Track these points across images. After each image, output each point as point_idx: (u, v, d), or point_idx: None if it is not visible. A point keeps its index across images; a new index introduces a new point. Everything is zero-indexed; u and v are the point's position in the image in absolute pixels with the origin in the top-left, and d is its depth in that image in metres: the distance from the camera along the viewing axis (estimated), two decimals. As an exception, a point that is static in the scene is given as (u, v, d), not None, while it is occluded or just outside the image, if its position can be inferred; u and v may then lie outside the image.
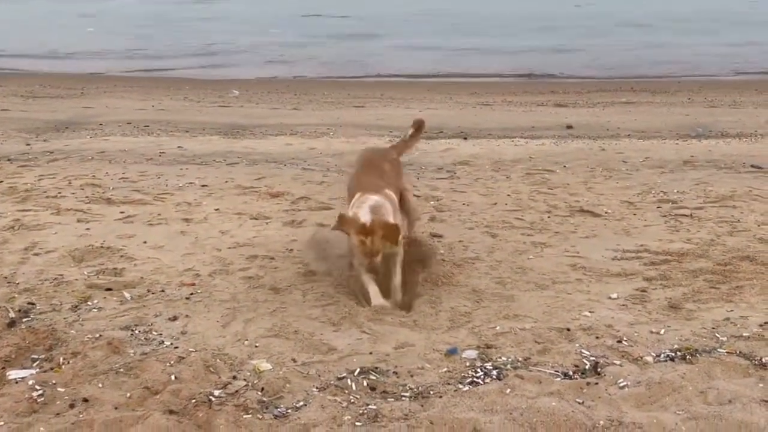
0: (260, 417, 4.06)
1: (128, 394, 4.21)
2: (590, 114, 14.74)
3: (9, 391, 4.25)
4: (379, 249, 5.37)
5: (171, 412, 4.03)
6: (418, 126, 6.91)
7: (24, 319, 5.19)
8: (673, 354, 4.66)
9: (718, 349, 4.70)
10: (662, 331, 4.99)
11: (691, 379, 4.30)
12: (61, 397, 4.21)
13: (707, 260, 6.30)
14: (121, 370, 4.46)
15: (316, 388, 4.35)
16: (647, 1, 35.53)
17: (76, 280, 5.91)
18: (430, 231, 7.08)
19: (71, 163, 10.01)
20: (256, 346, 4.83)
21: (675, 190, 8.52)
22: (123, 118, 13.92)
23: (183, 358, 4.61)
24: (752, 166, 9.76)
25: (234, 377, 4.45)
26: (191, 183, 8.89)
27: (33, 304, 5.44)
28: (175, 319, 5.24)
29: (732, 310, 5.32)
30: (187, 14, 34.95)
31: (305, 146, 11.38)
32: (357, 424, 3.99)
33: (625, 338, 4.88)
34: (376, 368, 4.56)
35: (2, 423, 3.96)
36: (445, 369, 4.57)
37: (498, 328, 5.07)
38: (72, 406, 4.12)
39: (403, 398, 4.25)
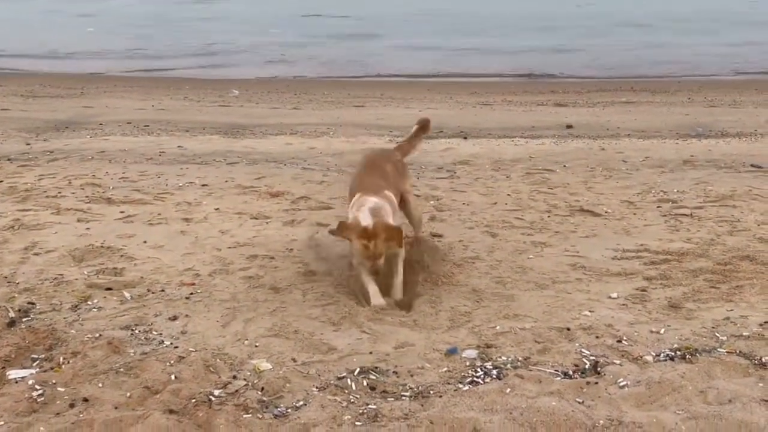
0: (260, 417, 4.06)
1: (128, 394, 4.21)
2: (590, 114, 14.74)
3: (9, 391, 4.25)
4: (381, 252, 5.36)
5: (171, 411, 4.03)
6: (423, 125, 6.82)
7: (24, 319, 5.19)
8: (673, 353, 4.66)
9: (718, 349, 4.70)
10: (662, 331, 4.99)
11: (691, 379, 4.30)
12: (61, 396, 4.21)
13: (707, 260, 6.30)
14: (121, 369, 4.46)
15: (316, 387, 4.35)
16: (647, 1, 35.53)
17: (76, 279, 5.91)
18: (430, 230, 7.07)
19: (71, 162, 10.01)
20: (256, 346, 4.84)
21: (675, 190, 8.52)
22: (123, 117, 13.92)
23: (183, 357, 4.61)
24: (752, 165, 9.76)
25: (234, 377, 4.45)
26: (191, 182, 8.89)
27: (33, 303, 5.44)
28: (175, 318, 5.24)
29: (732, 310, 5.32)
30: (187, 14, 34.94)
31: (305, 146, 11.38)
32: (357, 423, 3.99)
33: (625, 338, 4.88)
34: (376, 368, 4.56)
35: (2, 423, 3.96)
36: (445, 369, 4.57)
37: (498, 327, 5.07)
38: (72, 405, 4.12)
39: (403, 398, 4.25)
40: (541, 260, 6.40)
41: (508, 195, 8.40)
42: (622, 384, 4.29)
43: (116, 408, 4.07)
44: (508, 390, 4.23)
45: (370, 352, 4.75)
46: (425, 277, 5.93)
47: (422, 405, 4.14)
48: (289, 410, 4.14)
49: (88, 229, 7.14)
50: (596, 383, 4.29)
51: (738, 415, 3.90)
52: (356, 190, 5.82)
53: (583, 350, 4.72)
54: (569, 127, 13.11)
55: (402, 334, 5.03)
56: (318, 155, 10.67)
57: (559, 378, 4.40)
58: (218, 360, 4.61)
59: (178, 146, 11.20)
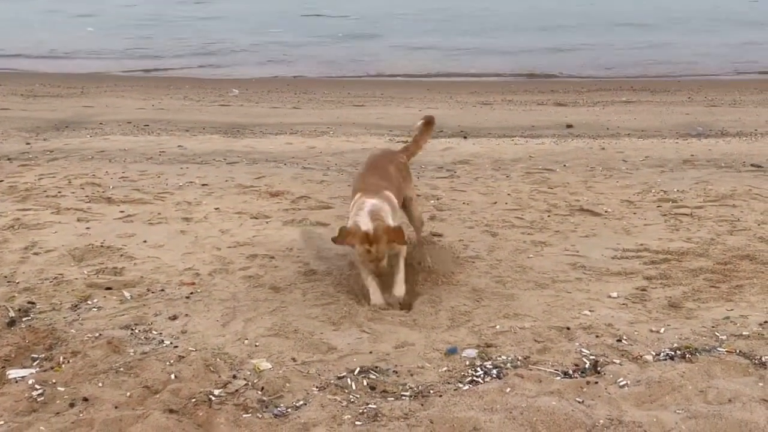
0: (260, 416, 4.06)
1: (128, 393, 4.21)
2: (590, 113, 14.73)
3: (9, 391, 4.26)
4: (384, 254, 5.36)
5: (171, 411, 4.03)
6: (428, 121, 6.70)
7: (24, 319, 5.19)
8: (672, 353, 4.66)
9: (718, 348, 4.70)
10: (662, 330, 4.99)
11: (691, 378, 4.30)
12: (61, 396, 4.21)
13: (707, 259, 6.31)
14: (121, 369, 4.47)
15: (316, 387, 4.35)
16: (647, 1, 35.52)
17: (76, 279, 5.91)
18: (431, 230, 7.07)
19: (71, 162, 10.01)
20: (256, 346, 4.84)
21: (675, 189, 8.52)
22: (123, 117, 13.92)
23: (183, 357, 4.61)
24: (752, 165, 9.76)
25: (234, 376, 4.45)
26: (191, 182, 8.89)
27: (33, 303, 5.44)
28: (175, 318, 5.24)
29: (732, 309, 5.32)
30: (187, 14, 34.92)
31: (305, 145, 11.38)
32: (357, 423, 3.99)
33: (625, 337, 4.89)
34: (376, 367, 4.56)
35: (2, 422, 3.96)
36: (445, 368, 4.57)
37: (498, 327, 5.07)
38: (72, 405, 4.12)
39: (403, 397, 4.25)
40: (541, 260, 6.40)
41: (508, 194, 8.40)
42: (622, 383, 4.29)
43: (116, 407, 4.08)
44: (508, 389, 4.23)
45: (370, 352, 4.76)
46: (425, 276, 5.93)
47: (422, 404, 4.14)
48: (289, 410, 4.14)
49: (88, 228, 7.14)
50: (596, 383, 4.29)
51: (738, 415, 3.90)
52: (357, 190, 5.82)
53: (583, 350, 4.72)
54: (569, 126, 13.10)
55: (402, 333, 5.03)
56: (318, 155, 10.67)
57: (559, 377, 4.40)
58: (218, 359, 4.61)
59: (178, 146, 11.20)
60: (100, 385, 4.30)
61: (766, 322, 5.07)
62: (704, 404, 4.05)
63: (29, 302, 5.45)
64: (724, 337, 4.86)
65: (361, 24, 30.82)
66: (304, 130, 12.74)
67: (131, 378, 4.37)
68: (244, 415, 4.05)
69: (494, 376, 4.46)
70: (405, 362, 4.63)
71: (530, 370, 4.48)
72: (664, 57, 22.88)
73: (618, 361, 4.58)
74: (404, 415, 4.02)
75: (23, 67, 22.27)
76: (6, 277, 5.96)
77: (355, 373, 4.50)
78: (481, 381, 4.41)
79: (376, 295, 5.48)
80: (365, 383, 4.39)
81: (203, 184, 8.78)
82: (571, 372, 4.47)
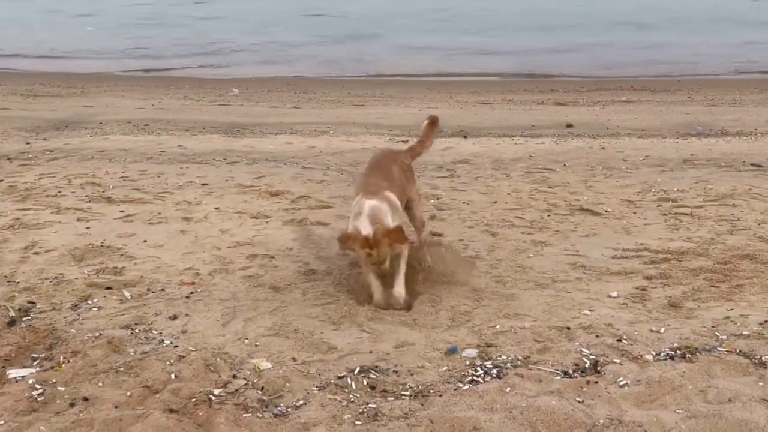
0: (260, 416, 4.06)
1: (128, 393, 4.21)
2: (590, 113, 14.73)
3: (9, 390, 4.26)
4: (386, 257, 5.35)
5: (171, 410, 4.03)
6: (432, 121, 6.67)
7: (24, 318, 5.19)
8: (673, 352, 4.66)
9: (718, 348, 4.71)
10: (662, 330, 4.99)
11: (691, 378, 4.30)
12: (61, 395, 4.21)
13: (707, 259, 6.31)
14: (121, 368, 4.47)
15: (316, 386, 4.35)
16: (647, 1, 35.51)
17: (76, 279, 5.91)
18: (431, 229, 7.07)
19: (71, 162, 10.01)
20: (256, 345, 4.84)
21: (675, 189, 8.52)
22: (123, 116, 13.91)
23: (183, 356, 4.62)
24: (752, 164, 9.76)
25: (234, 376, 4.45)
26: (191, 182, 8.89)
27: (33, 303, 5.44)
28: (175, 317, 5.25)
29: (732, 309, 5.32)
30: (187, 13, 34.91)
31: (305, 145, 11.38)
32: (357, 423, 3.99)
33: (625, 337, 4.89)
34: (376, 367, 4.56)
35: (2, 422, 3.96)
36: (445, 368, 4.57)
37: (498, 326, 5.07)
38: (72, 404, 4.12)
39: (403, 397, 4.25)
40: (541, 259, 6.40)
41: (508, 194, 8.40)
42: (622, 383, 4.29)
43: (116, 407, 4.08)
44: (508, 389, 4.23)
45: (370, 351, 4.76)
46: (425, 276, 5.93)
47: (422, 404, 4.14)
48: (289, 409, 4.14)
49: (88, 228, 7.14)
50: (596, 382, 4.29)
51: (738, 414, 3.90)
52: (358, 190, 5.80)
53: (583, 349, 4.72)
54: (569, 126, 13.10)
55: (402, 333, 5.03)
56: (318, 154, 10.67)
57: (559, 377, 4.40)
58: (218, 359, 4.62)
59: (178, 145, 11.20)
60: (101, 384, 4.31)
61: (766, 321, 5.07)
62: (704, 404, 4.05)
63: (29, 302, 5.45)
64: (724, 337, 4.86)
65: (361, 24, 30.79)
66: (304, 130, 12.74)
67: (131, 378, 4.37)
68: (244, 415, 4.05)
69: (494, 375, 4.46)
70: (405, 362, 4.63)
71: (530, 369, 4.48)
72: (664, 57, 22.86)
73: (618, 361, 4.58)
74: (404, 415, 4.02)
75: (23, 67, 22.26)
76: (6, 276, 5.96)
77: (355, 372, 4.50)
78: (481, 381, 4.41)
79: (377, 294, 5.48)
80: (365, 383, 4.39)
81: (203, 184, 8.78)
82: (571, 372, 4.47)
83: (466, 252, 6.56)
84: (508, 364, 4.58)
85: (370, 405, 4.16)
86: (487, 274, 6.05)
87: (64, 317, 5.22)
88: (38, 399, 4.18)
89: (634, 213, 7.68)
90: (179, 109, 15.29)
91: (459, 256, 6.37)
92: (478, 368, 4.55)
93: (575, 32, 27.53)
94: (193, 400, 4.16)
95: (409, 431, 3.88)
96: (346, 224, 5.80)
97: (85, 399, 4.16)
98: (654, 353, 4.66)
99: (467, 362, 4.63)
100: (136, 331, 5.03)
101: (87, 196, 8.22)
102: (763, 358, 4.56)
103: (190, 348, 4.76)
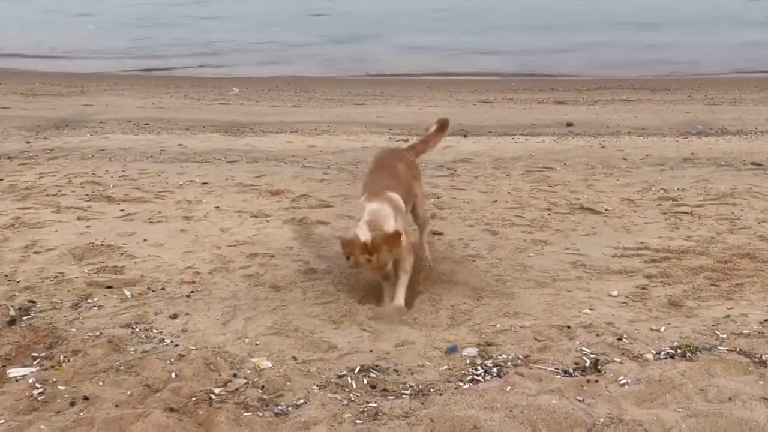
0: (260, 415, 4.06)
1: (129, 392, 4.21)
2: (590, 111, 14.73)
3: (9, 389, 4.26)
4: (385, 262, 5.33)
5: (171, 409, 4.03)
6: (442, 124, 6.56)
7: (24, 317, 5.19)
8: (673, 351, 4.66)
9: (718, 347, 4.70)
10: (662, 329, 4.99)
11: (691, 377, 4.30)
12: (61, 395, 4.21)
13: (707, 258, 6.31)
14: (122, 368, 4.47)
15: (317, 386, 4.35)
16: (648, 1, 35.48)
17: (77, 278, 5.91)
18: (431, 229, 7.07)
19: (71, 161, 10.01)
20: (256, 344, 4.84)
21: (675, 188, 8.52)
22: (123, 116, 13.92)
23: (183, 356, 4.61)
24: (752, 163, 9.75)
25: (234, 375, 4.45)
26: (191, 181, 8.89)
27: (33, 302, 5.44)
28: (175, 317, 5.25)
29: (732, 308, 5.32)
30: (187, 12, 34.91)
31: (305, 144, 11.38)
32: (357, 422, 3.99)
33: (625, 336, 4.89)
34: (377, 366, 4.56)
35: (3, 421, 3.96)
36: (446, 367, 4.57)
37: (498, 325, 5.07)
38: (72, 404, 4.12)
39: (404, 396, 4.25)
40: (542, 258, 6.40)
41: (509, 193, 8.40)
42: (622, 382, 4.29)
43: (117, 406, 4.08)
44: (509, 388, 4.23)
45: (371, 351, 4.76)
46: (425, 275, 5.92)
47: (422, 403, 4.14)
48: (290, 408, 4.14)
49: (88, 227, 7.14)
50: (596, 381, 4.29)
51: (738, 413, 3.90)
52: (363, 189, 5.76)
53: (583, 348, 4.72)
54: (569, 124, 13.10)
55: (402, 332, 5.03)
56: (318, 153, 10.67)
57: (559, 376, 4.40)
58: (219, 358, 4.61)
59: (179, 144, 11.20)
60: (101, 383, 4.30)
61: (766, 320, 5.07)
62: (704, 403, 4.05)
63: (30, 301, 5.45)
64: (725, 336, 4.86)
65: (362, 23, 30.79)
66: (305, 129, 12.74)
67: (132, 377, 4.37)
68: (245, 414, 4.05)
69: (495, 374, 4.46)
70: (405, 361, 4.63)
71: (530, 368, 4.48)
72: (665, 56, 22.86)
73: (618, 360, 4.58)
74: (404, 414, 4.02)
75: (23, 66, 22.26)
76: (6, 275, 5.96)
77: (356, 371, 4.50)
78: (482, 379, 4.41)
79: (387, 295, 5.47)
80: (366, 382, 4.39)
81: (203, 183, 8.78)
82: (571, 370, 4.47)
83: (466, 251, 6.55)
84: (509, 363, 4.58)
85: (370, 404, 4.16)
86: (487, 273, 6.05)
87: (65, 316, 5.22)
88: (38, 398, 4.18)
89: (635, 212, 7.68)
90: (179, 108, 15.29)
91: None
92: (479, 367, 4.55)
93: (575, 32, 27.51)
94: (194, 399, 4.16)
95: (409, 430, 3.88)
96: (348, 224, 5.78)
97: (86, 398, 4.16)
98: (654, 352, 4.66)
99: (467, 361, 4.63)
100: (137, 330, 5.03)
101: (87, 195, 8.22)
102: (763, 357, 4.55)
103: (191, 347, 4.76)
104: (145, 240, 6.80)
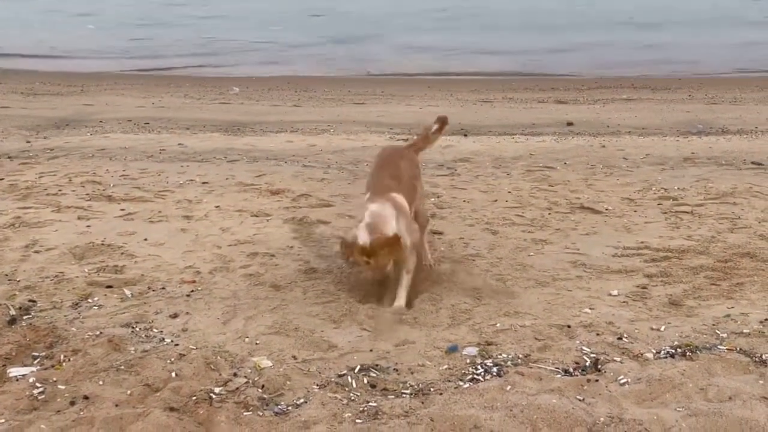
0: (261, 414, 4.06)
1: (129, 392, 4.21)
2: (591, 111, 14.73)
3: (10, 389, 4.26)
4: (384, 264, 5.32)
5: (171, 409, 4.03)
6: (442, 122, 6.50)
7: (25, 317, 5.19)
8: (673, 351, 4.66)
9: (719, 346, 4.70)
10: (663, 328, 4.99)
11: (692, 376, 4.30)
12: (61, 394, 4.21)
13: (708, 257, 6.31)
14: (122, 367, 4.46)
15: (317, 385, 4.35)
16: (648, 1, 35.47)
17: (77, 277, 5.91)
18: (431, 228, 7.07)
19: (72, 160, 10.01)
20: (256, 344, 4.84)
21: (676, 187, 8.52)
22: (123, 115, 13.91)
23: (183, 355, 4.61)
24: (753, 162, 9.75)
25: (234, 374, 4.45)
26: (192, 180, 8.89)
27: (34, 301, 5.44)
28: (175, 316, 5.25)
29: (732, 307, 5.32)
30: (187, 12, 34.91)
31: (306, 143, 11.38)
32: (357, 421, 3.99)
33: (625, 335, 4.88)
34: (377, 365, 4.56)
35: (3, 420, 3.96)
36: (446, 366, 4.57)
37: (498, 325, 5.07)
38: (72, 403, 4.12)
39: (404, 395, 4.25)
40: (542, 257, 6.40)
41: (509, 192, 8.40)
42: (622, 381, 4.29)
43: (117, 405, 4.08)
44: (509, 387, 4.23)
45: (371, 350, 4.76)
46: (425, 275, 5.92)
47: (423, 402, 4.14)
48: (290, 408, 4.14)
49: (88, 226, 7.14)
50: (597, 380, 4.29)
51: (738, 413, 3.90)
52: (367, 189, 5.74)
53: (583, 347, 4.72)
54: (570, 124, 13.10)
55: (402, 331, 5.03)
56: (318, 153, 10.67)
57: (559, 375, 4.40)
58: (219, 357, 4.61)
59: (179, 144, 11.20)
60: (101, 383, 4.30)
61: (766, 319, 5.07)
62: (705, 402, 4.05)
63: (30, 300, 5.45)
64: (725, 335, 4.86)
65: (362, 23, 30.79)
66: (305, 128, 12.74)
67: (132, 376, 4.37)
68: (245, 413, 4.05)
69: (495, 374, 4.46)
70: (405, 360, 4.63)
71: (531, 368, 4.48)
72: (665, 56, 22.86)
73: (618, 359, 4.58)
74: (405, 413, 4.02)
75: (23, 65, 22.25)
76: (7, 275, 5.96)
77: (356, 371, 4.50)
78: (482, 379, 4.41)
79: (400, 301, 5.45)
80: (366, 381, 4.39)
81: (204, 182, 8.78)
82: (571, 370, 4.47)
83: (466, 250, 6.56)
84: (509, 363, 4.58)
85: (370, 403, 4.15)
86: (487, 272, 6.05)
87: (65, 316, 5.22)
88: (39, 397, 4.18)
89: (635, 211, 7.68)
90: (180, 107, 15.29)
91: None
92: (479, 366, 4.55)
93: (575, 32, 27.52)
94: (194, 398, 4.16)
95: (409, 430, 3.88)
96: (349, 224, 5.77)
97: (86, 397, 4.16)
98: (654, 351, 4.66)
99: (468, 360, 4.63)
100: (137, 329, 5.03)
101: (87, 194, 8.22)
102: (763, 357, 4.55)
103: (191, 346, 4.76)
104: (146, 239, 6.80)
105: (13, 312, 5.22)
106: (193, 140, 11.55)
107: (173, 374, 4.39)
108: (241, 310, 5.34)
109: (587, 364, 4.53)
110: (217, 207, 7.78)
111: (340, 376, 4.45)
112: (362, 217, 5.38)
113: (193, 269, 6.13)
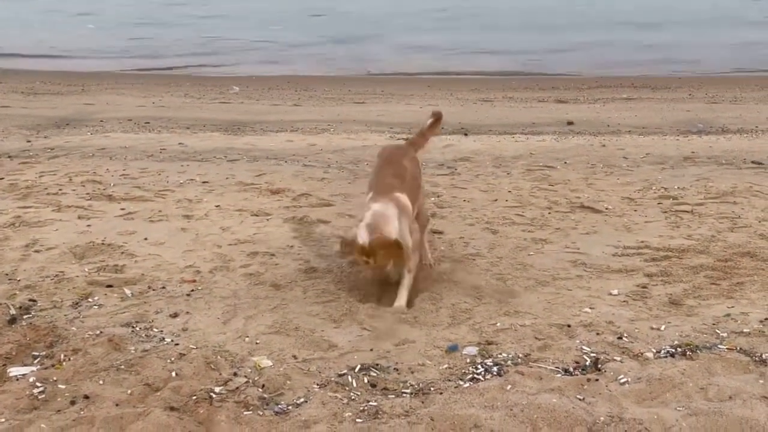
0: (261, 413, 4.06)
1: (129, 391, 4.21)
2: (591, 110, 14.72)
3: (10, 388, 4.26)
4: (384, 264, 5.32)
5: (172, 408, 4.03)
6: (437, 117, 6.53)
7: (25, 316, 5.19)
8: (673, 350, 4.66)
9: (719, 345, 4.70)
10: (663, 328, 4.99)
11: (692, 375, 4.30)
12: (61, 393, 4.21)
13: (708, 256, 6.30)
14: (122, 366, 4.46)
15: (317, 384, 4.35)
16: (648, 1, 35.47)
17: (77, 276, 5.91)
18: (431, 227, 7.07)
19: (72, 159, 10.01)
20: (256, 343, 4.84)
21: (676, 186, 8.52)
22: (123, 114, 13.92)
23: (184, 354, 4.61)
24: (753, 162, 9.75)
25: (235, 374, 4.45)
26: (192, 180, 8.89)
27: (34, 301, 5.44)
28: (175, 315, 5.25)
29: (732, 307, 5.32)
30: (187, 11, 34.92)
31: (306, 142, 11.38)
32: (358, 420, 3.99)
33: (625, 334, 4.88)
34: (377, 365, 4.56)
35: (3, 420, 3.96)
36: (446, 365, 4.57)
37: (498, 324, 5.07)
38: (73, 402, 4.12)
39: (404, 395, 4.25)
40: (542, 257, 6.40)
41: (509, 192, 8.40)
42: (622, 381, 4.29)
43: (117, 405, 4.08)
44: (509, 387, 4.23)
45: (371, 349, 4.76)
46: (425, 274, 5.92)
47: (423, 402, 4.14)
48: (290, 407, 4.14)
49: (88, 226, 7.14)
50: (597, 380, 4.29)
51: (738, 412, 3.90)
52: (370, 188, 5.74)
53: (583, 347, 4.72)
54: (570, 123, 13.10)
55: (402, 331, 5.03)
56: (318, 152, 10.67)
57: (559, 375, 4.40)
58: (219, 357, 4.61)
59: (179, 143, 11.20)
60: (101, 382, 4.30)
61: (766, 319, 5.07)
62: (705, 401, 4.05)
63: (30, 300, 5.45)
64: (725, 335, 4.86)
65: (362, 23, 30.80)
66: (305, 128, 12.74)
67: (132, 375, 4.37)
68: (245, 413, 4.05)
69: (495, 373, 4.46)
70: (406, 360, 4.63)
71: (531, 367, 4.48)
72: (665, 55, 22.85)
73: (619, 359, 4.58)
74: (405, 413, 4.02)
75: (24, 65, 22.25)
76: (7, 274, 5.96)
77: (356, 370, 4.50)
78: (482, 378, 4.41)
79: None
80: (366, 381, 4.39)
81: (204, 182, 8.78)
82: (571, 369, 4.47)
83: (466, 250, 6.56)
84: (509, 362, 4.58)
85: (370, 403, 4.15)
86: (487, 271, 6.05)
87: (65, 315, 5.22)
88: (39, 397, 4.18)
89: (635, 210, 7.68)
90: (180, 106, 15.29)
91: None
92: (479, 366, 4.55)
93: (575, 32, 27.51)
94: (194, 397, 4.16)
95: (409, 429, 3.88)
96: (350, 223, 5.77)
97: (86, 397, 4.16)
98: (654, 351, 4.66)
99: (468, 360, 4.63)
100: (137, 329, 5.03)
101: (88, 193, 8.22)
102: (763, 356, 4.55)
103: (191, 346, 4.76)
104: (146, 239, 6.80)
105: (13, 311, 5.22)
106: (194, 139, 11.55)
107: (173, 374, 4.39)
108: (242, 309, 5.34)
109: (587, 363, 4.53)
110: (217, 206, 7.78)
111: (340, 375, 4.45)
112: (364, 216, 5.38)
113: (193, 268, 6.13)
